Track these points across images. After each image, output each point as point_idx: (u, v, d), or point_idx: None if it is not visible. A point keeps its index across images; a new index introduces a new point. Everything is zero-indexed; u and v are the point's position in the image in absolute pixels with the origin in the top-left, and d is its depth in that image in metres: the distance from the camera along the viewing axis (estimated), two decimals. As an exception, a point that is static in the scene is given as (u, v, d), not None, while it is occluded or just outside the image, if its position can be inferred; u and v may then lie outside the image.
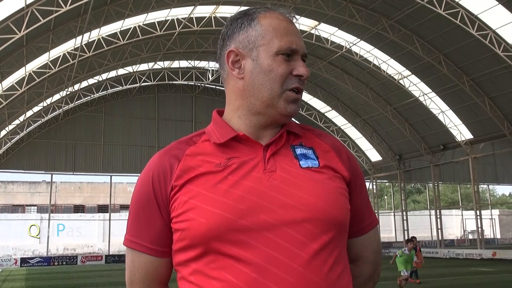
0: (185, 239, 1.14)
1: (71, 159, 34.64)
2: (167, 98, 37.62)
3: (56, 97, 31.54)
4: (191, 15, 25.30)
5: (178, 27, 25.81)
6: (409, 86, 30.65)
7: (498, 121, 28.29)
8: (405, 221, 37.81)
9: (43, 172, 35.06)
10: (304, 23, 27.18)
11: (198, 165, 1.19)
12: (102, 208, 47.65)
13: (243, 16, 1.27)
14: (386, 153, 37.61)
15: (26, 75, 24.92)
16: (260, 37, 1.22)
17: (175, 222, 1.17)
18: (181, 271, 1.18)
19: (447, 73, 27.48)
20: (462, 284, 15.70)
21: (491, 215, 54.90)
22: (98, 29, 24.63)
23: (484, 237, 35.94)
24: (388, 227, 46.88)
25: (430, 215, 44.93)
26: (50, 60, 25.20)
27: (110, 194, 38.14)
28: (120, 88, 35.31)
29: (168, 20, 25.70)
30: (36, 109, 31.69)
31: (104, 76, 32.76)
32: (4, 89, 24.91)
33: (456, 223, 56.71)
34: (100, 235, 43.94)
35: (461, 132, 31.49)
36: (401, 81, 30.57)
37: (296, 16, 1.31)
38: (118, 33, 25.86)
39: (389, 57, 29.30)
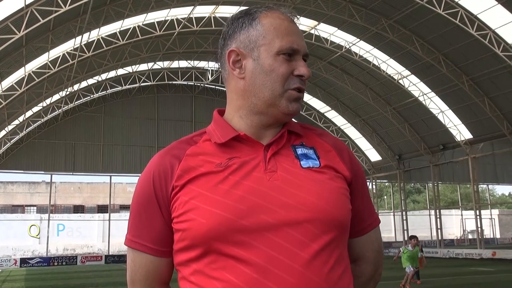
0: (186, 239, 1.14)
1: (71, 159, 34.63)
2: (166, 98, 37.61)
3: (56, 97, 31.53)
4: (191, 15, 25.30)
5: (178, 27, 25.81)
6: (408, 86, 30.66)
7: (497, 121, 28.31)
8: (404, 221, 37.82)
9: (43, 172, 35.04)
10: (303, 23, 27.18)
11: (199, 165, 1.19)
12: (102, 209, 47.64)
13: (244, 15, 1.26)
14: (385, 153, 37.62)
15: (25, 75, 24.91)
16: (261, 37, 1.22)
17: (176, 222, 1.17)
18: (182, 271, 1.18)
19: (446, 73, 27.49)
20: (461, 284, 15.70)
21: (491, 215, 54.93)
22: (98, 29, 24.63)
23: (484, 237, 35.94)
24: (388, 227, 46.85)
25: (429, 215, 44.96)
26: (49, 60, 25.19)
27: (110, 194, 38.12)
28: (119, 88, 35.30)
29: (168, 20, 25.69)
30: (35, 109, 31.68)
31: (104, 76, 32.75)
32: (3, 89, 24.90)
33: (456, 223, 56.73)
34: (99, 236, 43.93)
35: (460, 132, 31.51)
36: (400, 81, 30.58)
37: (297, 16, 1.30)
38: (118, 33, 25.86)
39: (389, 57, 29.31)
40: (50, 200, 37.25)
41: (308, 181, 1.17)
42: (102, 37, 25.92)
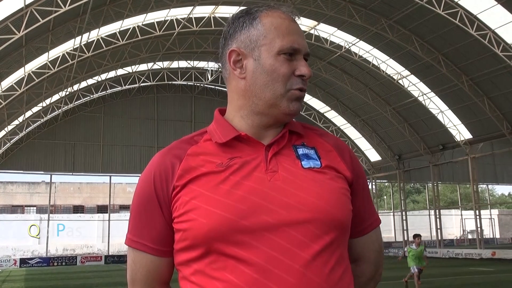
0: (187, 239, 1.14)
1: (71, 160, 34.62)
2: (166, 98, 37.61)
3: (56, 97, 31.52)
4: (190, 15, 25.29)
5: (178, 27, 25.80)
6: (408, 86, 30.67)
7: (497, 121, 28.32)
8: (404, 221, 37.84)
9: (43, 172, 35.04)
10: (303, 23, 27.18)
11: (199, 165, 1.18)
12: (102, 209, 47.65)
13: (245, 15, 1.25)
14: (385, 153, 37.63)
15: (25, 76, 24.90)
16: (262, 37, 1.21)
17: (176, 222, 1.16)
18: (183, 271, 1.18)
19: (446, 73, 27.50)
20: (461, 283, 15.70)
21: (491, 215, 54.99)
22: (97, 29, 24.62)
23: (484, 237, 35.98)
24: (388, 227, 46.87)
25: (429, 215, 44.97)
26: (49, 60, 25.19)
27: (110, 195, 38.12)
28: (119, 88, 35.29)
29: (167, 20, 25.69)
30: (35, 109, 31.67)
31: (104, 76, 32.75)
32: (3, 90, 24.89)
33: (456, 223, 56.78)
34: (99, 236, 43.95)
35: (460, 132, 31.52)
36: (400, 81, 30.59)
37: (298, 15, 1.30)
38: (117, 33, 25.85)
39: (388, 57, 29.32)
40: (49, 200, 37.24)
41: (309, 181, 1.17)
42: (101, 37, 25.92)
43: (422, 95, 30.80)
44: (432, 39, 26.28)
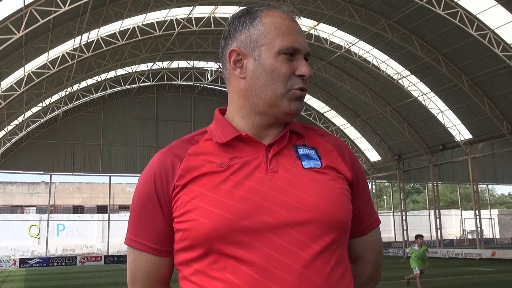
0: (187, 239, 1.14)
1: (70, 160, 34.62)
2: (166, 99, 37.61)
3: (55, 97, 31.52)
4: (190, 15, 25.30)
5: (177, 27, 25.80)
6: (408, 86, 30.68)
7: (497, 121, 28.33)
8: (404, 221, 37.85)
9: (42, 172, 35.03)
10: (303, 23, 27.18)
11: (200, 164, 1.18)
12: (101, 209, 47.64)
13: (245, 14, 1.25)
14: (385, 153, 37.64)
15: (25, 76, 24.90)
16: (262, 36, 1.21)
17: (177, 222, 1.16)
18: (183, 270, 1.18)
19: (446, 73, 27.51)
20: (461, 284, 15.70)
21: (490, 215, 55.00)
22: (97, 29, 24.62)
23: (483, 237, 35.98)
24: (388, 227, 46.89)
25: (429, 215, 45.01)
26: (49, 60, 25.18)
27: (109, 195, 38.12)
28: (119, 88, 35.29)
29: (167, 20, 25.69)
30: (35, 109, 31.67)
31: (103, 76, 32.75)
32: (3, 90, 24.89)
33: (456, 223, 56.78)
34: (99, 236, 43.94)
35: (460, 132, 31.53)
36: (400, 81, 30.59)
37: (299, 14, 1.29)
38: (117, 33, 25.85)
39: (388, 57, 29.32)
40: (49, 200, 37.23)
41: (310, 181, 1.17)
42: (101, 37, 25.92)
43: (422, 95, 30.81)
44: (432, 39, 26.29)
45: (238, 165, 1.17)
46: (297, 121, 1.31)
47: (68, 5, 18.67)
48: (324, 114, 38.47)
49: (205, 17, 25.85)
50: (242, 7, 23.07)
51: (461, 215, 54.96)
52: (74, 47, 24.83)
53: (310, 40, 28.19)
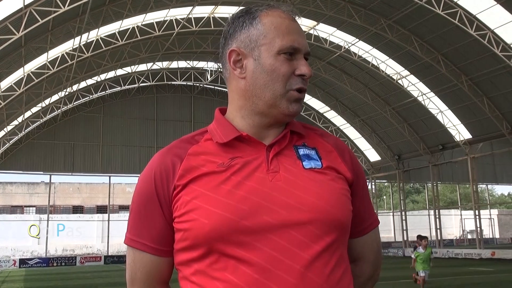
0: (188, 239, 1.13)
1: (70, 160, 34.62)
2: (165, 99, 37.60)
3: (55, 97, 31.52)
4: (190, 16, 25.30)
5: (177, 28, 25.80)
6: (407, 86, 30.68)
7: (496, 121, 28.33)
8: (404, 221, 37.86)
9: (42, 173, 35.03)
10: (302, 23, 27.14)
11: (201, 164, 1.18)
12: (101, 209, 47.64)
13: (245, 14, 1.25)
14: (385, 153, 37.64)
15: (24, 76, 24.89)
16: (262, 36, 1.21)
17: (177, 222, 1.16)
18: (183, 270, 1.18)
19: (445, 73, 27.51)
20: (461, 284, 15.70)
21: (490, 215, 55.02)
22: (97, 29, 24.62)
23: (483, 237, 35.99)
24: (387, 227, 46.91)
25: (429, 215, 45.02)
26: (48, 60, 25.18)
27: (109, 195, 38.11)
28: (118, 88, 35.29)
29: (167, 20, 25.69)
30: (34, 109, 31.66)
31: (103, 76, 32.74)
32: (2, 90, 24.88)
33: (455, 223, 56.80)
34: (99, 236, 43.94)
35: (459, 132, 31.53)
36: (399, 81, 30.60)
37: (299, 14, 1.29)
38: (117, 33, 25.85)
39: (388, 57, 29.32)
40: (49, 200, 37.21)
41: (310, 182, 1.17)
42: (101, 38, 25.91)
43: (422, 95, 30.81)
44: (432, 39, 26.29)
45: (239, 165, 1.17)
46: (297, 121, 1.31)
47: (68, 5, 18.67)
48: (324, 114, 38.48)
49: (204, 17, 25.85)
50: (241, 7, 23.02)
51: (461, 215, 54.99)
52: (74, 47, 24.83)
53: (309, 40, 28.19)
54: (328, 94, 35.81)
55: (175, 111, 37.66)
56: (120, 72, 33.15)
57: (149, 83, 35.88)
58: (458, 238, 54.38)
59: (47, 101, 31.17)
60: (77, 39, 24.01)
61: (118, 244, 38.54)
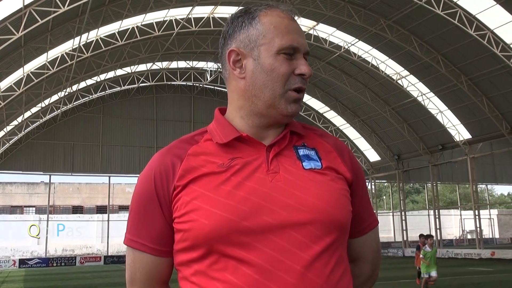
0: (188, 240, 1.13)
1: (70, 160, 34.61)
2: (165, 99, 37.61)
3: (54, 97, 31.51)
4: (189, 16, 25.30)
5: (177, 28, 25.80)
6: (407, 86, 30.68)
7: (496, 121, 28.34)
8: (403, 221, 37.86)
9: (42, 173, 35.02)
10: (302, 24, 27.18)
11: (201, 165, 1.18)
12: (101, 209, 47.64)
13: (244, 14, 1.25)
14: (384, 153, 37.65)
15: (24, 76, 24.89)
16: (261, 36, 1.20)
17: (177, 222, 1.16)
18: (183, 271, 1.17)
19: (445, 73, 27.51)
20: (461, 284, 15.70)
21: (490, 215, 55.06)
22: (96, 29, 24.62)
23: (483, 237, 35.99)
24: (387, 227, 46.92)
25: (428, 215, 45.03)
26: (48, 60, 25.17)
27: (109, 195, 38.11)
28: (118, 88, 35.28)
29: (167, 20, 25.68)
30: (34, 110, 31.65)
31: (102, 76, 32.74)
32: (2, 90, 24.88)
33: (455, 223, 56.82)
34: (98, 236, 43.94)
35: (459, 132, 31.54)
36: (399, 81, 30.60)
37: (298, 14, 1.29)
38: (116, 33, 25.84)
39: (388, 57, 29.33)
40: (49, 200, 37.21)
41: (310, 182, 1.17)
42: (100, 38, 25.91)
43: (421, 95, 30.82)
44: (431, 39, 26.29)
45: (239, 166, 1.17)
46: (297, 122, 1.30)
47: (67, 6, 18.67)
48: (324, 114, 38.48)
49: (204, 17, 25.85)
50: (241, 7, 23.04)
51: (461, 215, 55.01)
52: (74, 47, 24.82)
53: (309, 40, 28.19)
54: (328, 94, 35.81)
55: (175, 111, 37.66)
56: (119, 72, 33.14)
57: (148, 83, 35.88)
58: (457, 238, 54.41)
59: (46, 101, 31.16)
60: (77, 39, 24.01)
61: (118, 244, 38.54)
